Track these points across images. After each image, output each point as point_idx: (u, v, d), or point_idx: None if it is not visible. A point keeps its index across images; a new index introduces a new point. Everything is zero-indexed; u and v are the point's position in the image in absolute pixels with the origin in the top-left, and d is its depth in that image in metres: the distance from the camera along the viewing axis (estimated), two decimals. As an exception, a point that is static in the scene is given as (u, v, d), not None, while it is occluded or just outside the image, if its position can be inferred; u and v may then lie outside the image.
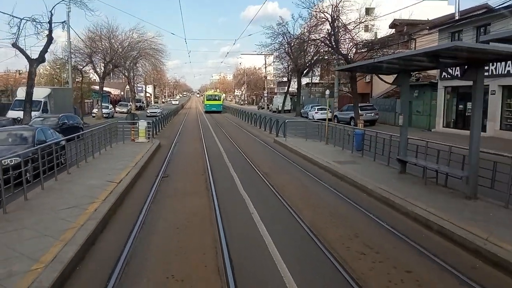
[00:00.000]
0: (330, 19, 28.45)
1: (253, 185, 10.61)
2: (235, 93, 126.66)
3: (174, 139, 22.02)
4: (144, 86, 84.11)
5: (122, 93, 71.54)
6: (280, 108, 54.71)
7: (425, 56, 8.38)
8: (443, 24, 25.00)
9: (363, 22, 29.56)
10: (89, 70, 44.44)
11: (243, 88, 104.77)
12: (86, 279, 5.23)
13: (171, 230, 7.11)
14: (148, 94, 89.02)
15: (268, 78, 76.71)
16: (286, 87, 56.37)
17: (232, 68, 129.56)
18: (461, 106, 23.42)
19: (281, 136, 20.96)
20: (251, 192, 9.60)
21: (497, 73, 20.26)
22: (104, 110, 40.90)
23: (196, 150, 17.86)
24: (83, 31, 54.90)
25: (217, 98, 59.53)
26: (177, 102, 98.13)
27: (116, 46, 43.10)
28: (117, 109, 51.30)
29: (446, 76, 22.63)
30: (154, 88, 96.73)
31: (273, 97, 66.24)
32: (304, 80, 54.50)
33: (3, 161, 7.66)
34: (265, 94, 69.83)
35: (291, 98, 57.56)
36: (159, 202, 8.95)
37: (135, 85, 69.14)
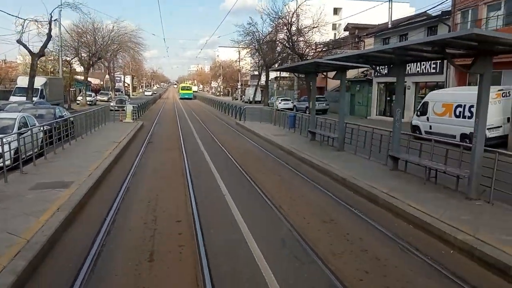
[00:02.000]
0: (287, 25, 33.55)
1: (211, 147, 15.65)
2: (212, 85, 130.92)
3: (154, 121, 26.80)
4: (122, 76, 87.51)
5: (102, 82, 75.03)
6: (251, 99, 59.73)
7: (338, 61, 12.96)
8: (379, 31, 30.52)
9: (316, 27, 34.66)
10: (74, 61, 48.17)
11: (219, 80, 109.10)
12: (117, 174, 10.21)
13: (157, 164, 12.10)
14: (126, 84, 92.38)
15: (242, 71, 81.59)
16: (257, 80, 61.31)
17: (210, 60, 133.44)
18: (388, 98, 29.05)
19: (243, 120, 26.03)
20: (208, 150, 14.66)
21: (411, 72, 25.86)
22: (88, 98, 44.96)
23: (172, 128, 22.78)
24: (69, 24, 57.60)
25: (189, 88, 75.42)
26: (149, 94, 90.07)
27: (99, 40, 47.05)
28: (98, 97, 55.16)
29: (377, 74, 28.15)
30: (132, 78, 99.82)
31: (245, 89, 71.19)
32: (274, 74, 59.63)
33: (44, 127, 12.36)
34: (239, 86, 74.63)
35: (262, 90, 62.66)
36: (148, 154, 13.90)
37: (114, 75, 72.70)
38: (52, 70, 47.32)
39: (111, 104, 35.00)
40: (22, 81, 29.34)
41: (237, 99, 71.94)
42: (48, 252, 5.43)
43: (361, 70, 32.55)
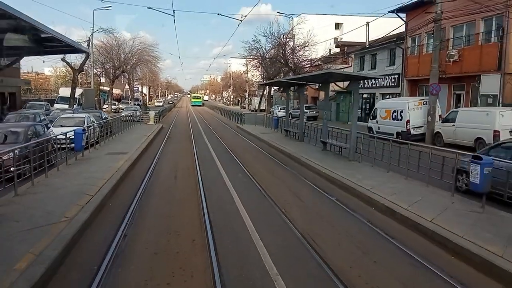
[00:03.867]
0: (282, 45, 39.75)
1: (214, 142, 21.71)
2: (223, 95, 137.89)
3: (171, 124, 33.10)
4: (140, 87, 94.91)
5: (122, 92, 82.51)
6: (256, 108, 65.99)
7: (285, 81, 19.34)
8: (356, 51, 36.46)
9: (307, 45, 40.61)
10: (101, 73, 55.16)
11: (229, 90, 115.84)
12: (151, 152, 16.35)
13: (176, 150, 18.22)
14: (143, 94, 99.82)
15: (250, 82, 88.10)
16: (262, 91, 67.57)
17: (222, 70, 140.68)
18: (364, 107, 34.82)
19: (241, 124, 32.14)
20: (212, 143, 20.73)
21: (378, 85, 31.64)
22: (112, 106, 51.81)
23: (185, 128, 29.00)
24: (96, 42, 65.08)
25: (198, 97, 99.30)
26: (161, 103, 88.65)
27: (122, 56, 53.97)
28: (120, 106, 62.09)
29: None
30: (149, 89, 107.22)
31: (251, 99, 77.59)
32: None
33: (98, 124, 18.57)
34: (246, 96, 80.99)
35: (266, 100, 68.89)
36: (168, 144, 20.04)
37: (133, 86, 79.92)
38: (81, 81, 54.40)
39: (122, 114, 31.15)
40: (64, 92, 36.01)
41: (244, 107, 78.30)
42: (125, 177, 11.47)
43: (346, 83, 38.50)
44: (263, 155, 16.88)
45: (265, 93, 68.07)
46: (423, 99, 21.28)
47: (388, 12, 27.06)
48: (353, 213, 8.35)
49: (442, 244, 6.45)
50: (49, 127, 17.03)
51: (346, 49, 48.02)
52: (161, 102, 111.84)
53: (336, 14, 75.45)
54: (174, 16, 30.10)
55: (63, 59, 33.18)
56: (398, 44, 28.20)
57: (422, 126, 20.89)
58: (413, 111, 21.08)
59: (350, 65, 41.12)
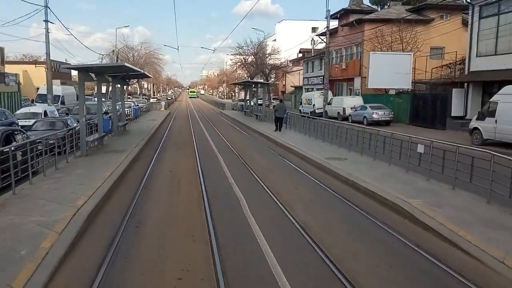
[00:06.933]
0: (254, 54, 54.80)
1: (202, 118, 36.90)
2: (219, 89, 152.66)
3: (176, 110, 48.36)
4: (146, 84, 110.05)
5: (130, 88, 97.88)
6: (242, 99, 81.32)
7: None
8: (305, 58, 51.51)
9: (272, 54, 55.46)
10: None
11: (224, 85, 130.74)
12: (162, 128, 31.56)
13: (178, 127, 33.40)
14: (148, 90, 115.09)
15: (241, 78, 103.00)
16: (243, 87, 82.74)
17: (221, 64, 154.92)
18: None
19: (224, 110, 47.32)
20: (200, 119, 35.95)
21: (315, 83, 46.59)
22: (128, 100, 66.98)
23: (185, 112, 44.31)
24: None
25: (194, 91, 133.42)
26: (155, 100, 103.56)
27: (132, 59, 68.90)
28: (133, 99, 77.41)
29: (306, 83, 48.98)
30: (153, 85, 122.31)
31: (239, 93, 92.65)
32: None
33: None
34: (236, 91, 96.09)
35: (252, 94, 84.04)
36: (174, 122, 35.24)
37: (141, 83, 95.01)
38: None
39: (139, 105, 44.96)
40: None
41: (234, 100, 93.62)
42: (161, 125, 26.54)
43: (301, 81, 53.65)
44: (225, 122, 32.16)
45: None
46: (321, 91, 36.45)
47: (317, 35, 42.12)
48: (271, 150, 23.50)
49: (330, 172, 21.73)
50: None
51: (305, 54, 63.08)
52: (154, 99, 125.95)
53: (313, 20, 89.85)
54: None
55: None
56: (322, 57, 43.26)
57: (321, 108, 36.02)
58: (317, 99, 36.21)
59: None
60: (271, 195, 9.03)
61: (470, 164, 8.52)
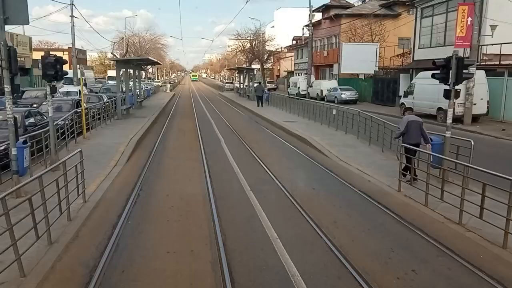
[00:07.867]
0: (251, 41, 60.40)
1: (202, 98, 42.99)
2: (221, 74, 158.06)
3: (180, 91, 54.48)
4: (151, 68, 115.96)
5: (137, 72, 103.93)
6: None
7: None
8: (296, 45, 57.15)
9: (268, 40, 61.01)
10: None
11: (225, 69, 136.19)
12: (171, 103, 37.77)
13: (184, 100, 39.56)
14: (152, 74, 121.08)
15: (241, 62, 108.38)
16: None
17: (223, 49, 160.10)
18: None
19: (222, 91, 53.33)
20: (201, 98, 42.07)
21: (304, 68, 52.37)
22: (136, 83, 73.08)
23: (188, 93, 50.47)
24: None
25: (195, 75, 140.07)
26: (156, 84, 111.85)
27: (138, 44, 74.62)
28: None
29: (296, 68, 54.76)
30: (157, 70, 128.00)
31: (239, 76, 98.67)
32: (258, 66, 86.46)
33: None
34: (236, 75, 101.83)
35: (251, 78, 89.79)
36: (179, 100, 41.37)
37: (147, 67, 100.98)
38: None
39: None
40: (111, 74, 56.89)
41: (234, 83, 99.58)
42: (172, 98, 32.69)
43: (293, 66, 59.38)
44: (221, 101, 38.25)
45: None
46: (306, 76, 42.36)
47: (304, 26, 47.78)
48: (250, 119, 29.64)
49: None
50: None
51: (297, 42, 68.33)
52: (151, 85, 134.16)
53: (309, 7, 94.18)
54: None
55: (112, 53, 53.90)
56: (306, 45, 48.99)
57: (305, 90, 41.94)
58: (302, 82, 42.14)
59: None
60: (240, 139, 15.23)
61: (364, 123, 14.59)
